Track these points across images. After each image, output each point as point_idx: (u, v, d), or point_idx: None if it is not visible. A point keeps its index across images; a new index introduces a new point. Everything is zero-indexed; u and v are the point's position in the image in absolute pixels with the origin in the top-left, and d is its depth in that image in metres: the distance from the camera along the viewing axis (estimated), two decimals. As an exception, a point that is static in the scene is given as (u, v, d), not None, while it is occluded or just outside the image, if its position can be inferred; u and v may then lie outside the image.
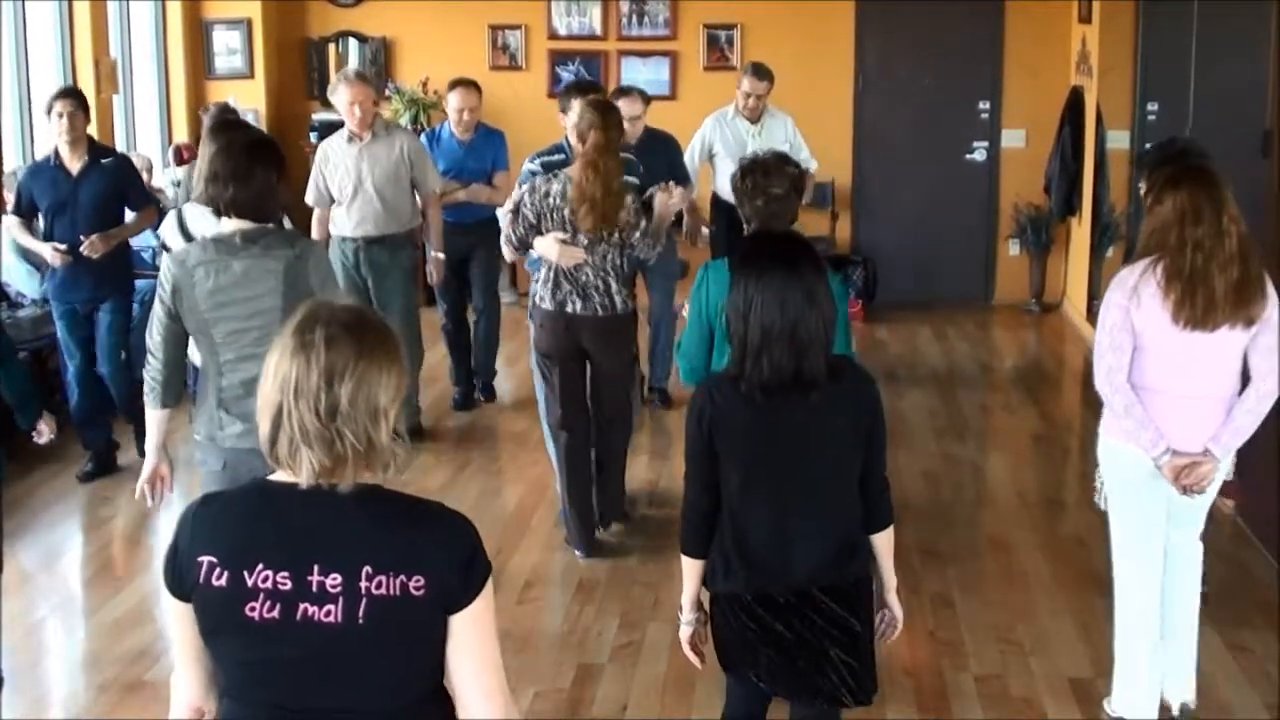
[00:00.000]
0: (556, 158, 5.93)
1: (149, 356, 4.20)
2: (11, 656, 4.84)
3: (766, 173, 4.26)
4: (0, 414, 5.04)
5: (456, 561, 2.24)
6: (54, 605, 5.54)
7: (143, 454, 6.94)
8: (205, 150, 4.44)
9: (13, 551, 5.43)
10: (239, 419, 4.04)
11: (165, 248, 4.70)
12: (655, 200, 5.88)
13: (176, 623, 2.31)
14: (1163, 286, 3.97)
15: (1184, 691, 4.36)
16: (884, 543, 3.39)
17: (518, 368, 8.55)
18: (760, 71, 7.90)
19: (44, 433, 4.90)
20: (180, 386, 4.27)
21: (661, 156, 6.90)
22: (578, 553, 5.83)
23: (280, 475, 2.27)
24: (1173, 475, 4.08)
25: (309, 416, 2.17)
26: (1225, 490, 4.42)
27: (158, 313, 4.14)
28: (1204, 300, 3.94)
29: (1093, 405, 8.48)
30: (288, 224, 4.67)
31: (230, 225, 4.10)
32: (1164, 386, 4.08)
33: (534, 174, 5.82)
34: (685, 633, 3.46)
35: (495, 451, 7.38)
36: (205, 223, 4.49)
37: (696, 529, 3.32)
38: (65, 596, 5.69)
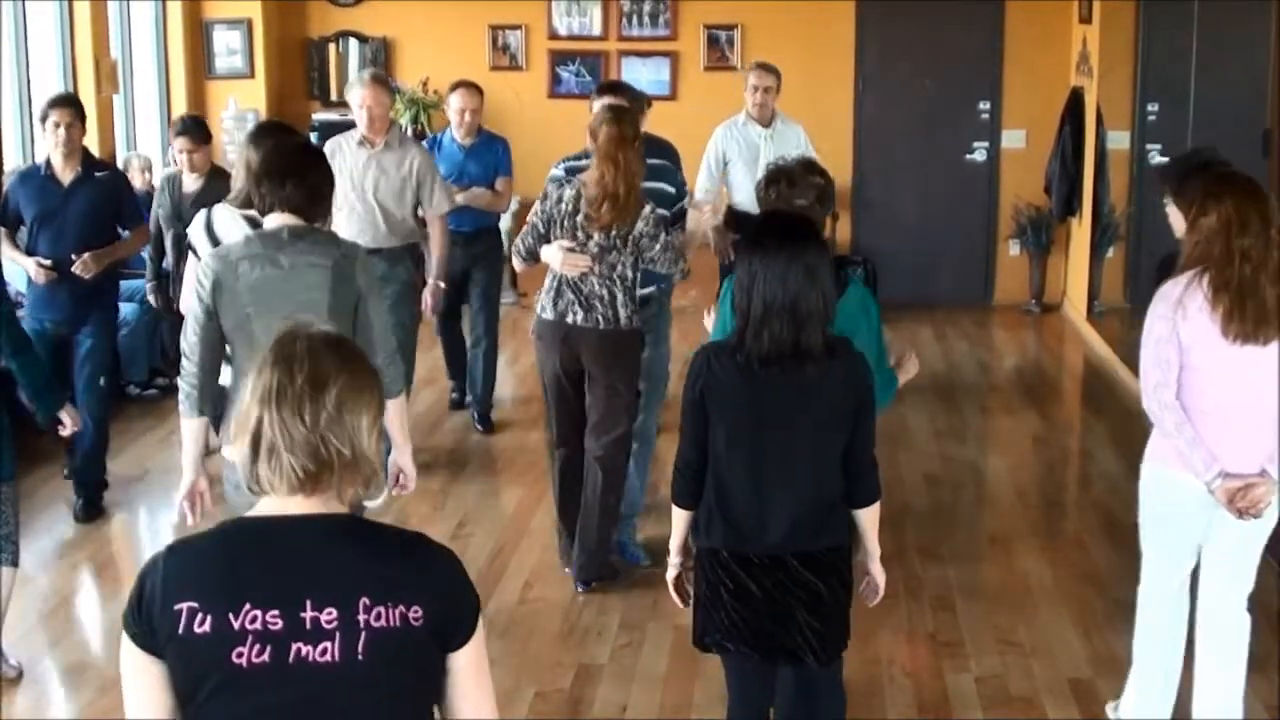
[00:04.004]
0: (584, 163, 5.36)
1: (183, 360, 4.02)
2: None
3: (792, 183, 3.98)
4: (8, 410, 4.96)
5: (451, 591, 2.16)
6: (53, 606, 5.53)
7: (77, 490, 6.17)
8: (251, 153, 4.27)
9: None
10: None
11: (191, 249, 4.61)
12: (688, 217, 5.60)
13: (138, 681, 2.11)
14: (1210, 299, 3.80)
15: None
16: (869, 517, 3.55)
17: (517, 368, 8.55)
18: (766, 65, 7.81)
19: (67, 424, 4.78)
20: (216, 395, 4.07)
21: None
22: (575, 582, 5.46)
23: (257, 511, 2.15)
24: (1227, 499, 3.88)
25: (292, 421, 2.07)
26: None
27: (195, 312, 3.99)
28: (1255, 312, 3.77)
29: (1093, 406, 8.53)
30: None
31: (276, 221, 4.02)
32: (1213, 405, 3.89)
33: (557, 180, 5.39)
34: (671, 574, 3.66)
35: (494, 452, 7.36)
36: (233, 225, 4.39)
37: (685, 480, 3.53)
38: (65, 597, 5.68)
